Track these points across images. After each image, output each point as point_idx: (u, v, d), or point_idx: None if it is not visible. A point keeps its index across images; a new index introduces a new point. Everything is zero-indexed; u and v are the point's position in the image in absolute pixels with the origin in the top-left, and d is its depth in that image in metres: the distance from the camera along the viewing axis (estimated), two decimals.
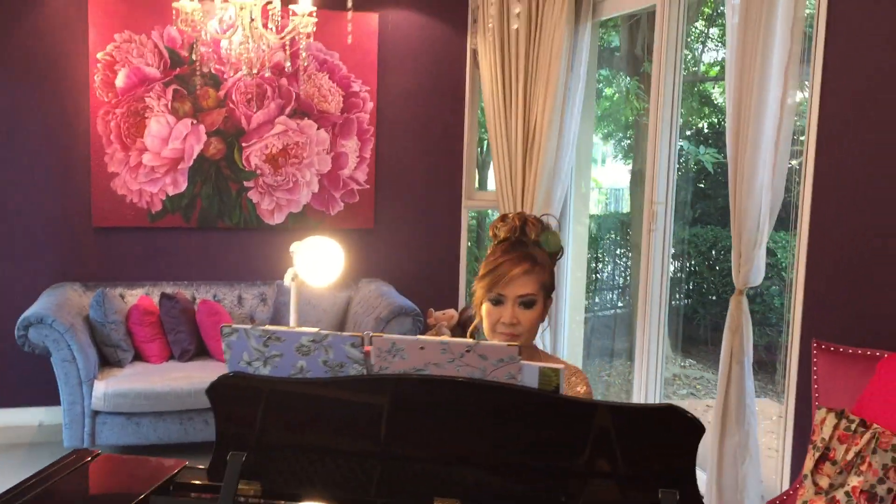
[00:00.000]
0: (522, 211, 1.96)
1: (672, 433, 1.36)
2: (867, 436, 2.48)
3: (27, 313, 4.10)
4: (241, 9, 3.66)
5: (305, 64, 4.19)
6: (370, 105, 5.12)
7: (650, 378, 4.48)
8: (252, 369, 1.42)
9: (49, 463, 1.62)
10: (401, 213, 5.29)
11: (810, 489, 2.60)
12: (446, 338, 1.35)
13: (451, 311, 4.94)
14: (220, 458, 1.49)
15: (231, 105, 4.92)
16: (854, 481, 2.46)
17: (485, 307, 1.92)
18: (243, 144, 4.96)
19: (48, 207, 4.77)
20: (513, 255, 1.92)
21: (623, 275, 7.24)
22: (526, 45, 5.00)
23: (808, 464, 2.64)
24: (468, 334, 2.06)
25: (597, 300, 7.10)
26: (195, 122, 4.88)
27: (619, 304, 7.29)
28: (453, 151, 5.33)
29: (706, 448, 3.69)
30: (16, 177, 4.71)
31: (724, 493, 3.51)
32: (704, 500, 3.69)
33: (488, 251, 2.00)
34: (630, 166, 7.16)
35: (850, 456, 2.52)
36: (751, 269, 3.41)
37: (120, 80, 4.75)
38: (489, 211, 5.84)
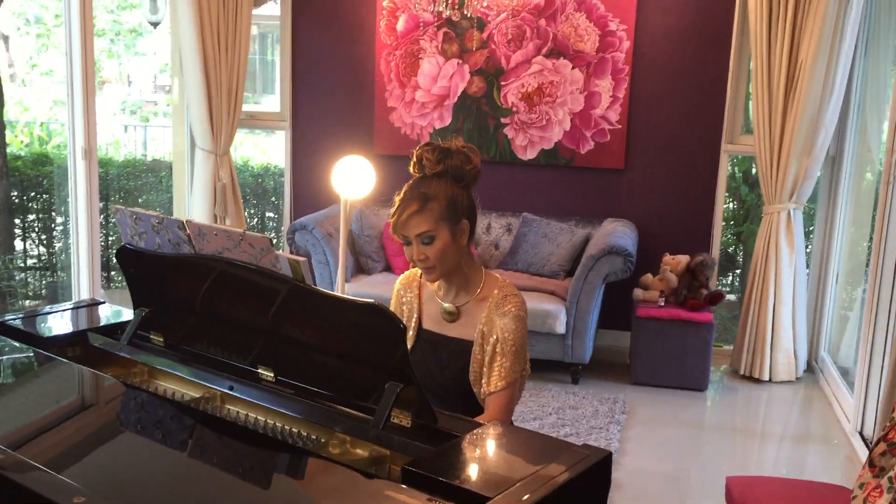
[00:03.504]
0: (430, 142, 2.09)
1: (381, 329, 1.49)
2: None
3: (296, 221, 4.98)
4: None
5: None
6: (626, 44, 5.10)
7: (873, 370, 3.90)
8: (135, 242, 1.84)
9: None
10: (653, 154, 5.21)
11: (867, 468, 2.30)
12: (229, 227, 1.62)
13: (683, 257, 4.80)
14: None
15: (493, 46, 5.27)
16: None
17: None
18: (502, 83, 5.30)
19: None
20: (406, 197, 2.08)
21: None
22: None
23: (874, 442, 2.32)
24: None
25: None
26: (460, 62, 5.34)
27: None
28: (715, 93, 5.08)
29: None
30: (317, 109, 5.61)
31: None
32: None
33: None
34: None
35: None
36: None
37: (400, 25, 5.38)
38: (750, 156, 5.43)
